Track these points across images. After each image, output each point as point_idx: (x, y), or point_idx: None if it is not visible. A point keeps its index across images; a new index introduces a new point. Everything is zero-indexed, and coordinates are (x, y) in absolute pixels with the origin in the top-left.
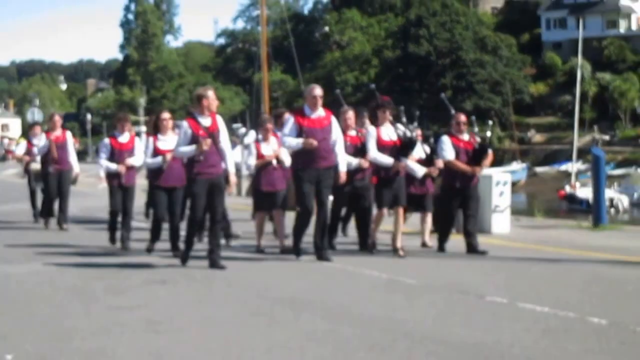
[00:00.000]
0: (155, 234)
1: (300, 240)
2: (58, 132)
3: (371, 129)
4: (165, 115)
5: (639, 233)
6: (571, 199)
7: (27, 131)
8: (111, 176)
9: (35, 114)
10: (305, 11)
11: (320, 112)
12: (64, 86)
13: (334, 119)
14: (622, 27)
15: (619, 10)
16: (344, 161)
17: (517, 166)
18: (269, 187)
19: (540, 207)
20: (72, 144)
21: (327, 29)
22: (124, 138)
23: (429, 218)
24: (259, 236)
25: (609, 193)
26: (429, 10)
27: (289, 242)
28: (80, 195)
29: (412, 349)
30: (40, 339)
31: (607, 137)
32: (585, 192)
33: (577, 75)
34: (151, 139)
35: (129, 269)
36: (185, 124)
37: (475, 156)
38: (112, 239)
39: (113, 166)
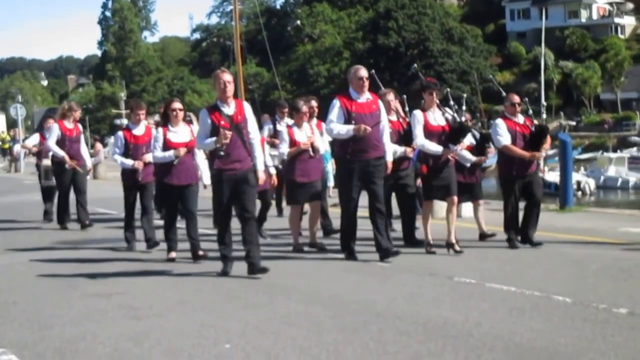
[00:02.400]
0: (171, 237)
1: (349, 240)
2: (71, 124)
3: (418, 113)
4: (176, 105)
5: (603, 214)
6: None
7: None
8: (126, 173)
9: (18, 109)
10: (278, 5)
11: (368, 95)
12: (45, 82)
13: (381, 103)
14: (584, 17)
15: (580, 0)
16: (391, 150)
17: None
18: (304, 178)
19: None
20: (83, 137)
21: (299, 22)
22: (139, 130)
23: (482, 207)
24: (296, 233)
25: (577, 177)
26: (397, 3)
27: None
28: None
29: (383, 329)
30: (21, 326)
31: (573, 123)
32: (553, 176)
33: (541, 63)
34: (160, 130)
35: (108, 260)
36: (203, 112)
37: (533, 140)
38: (128, 240)
39: (129, 162)
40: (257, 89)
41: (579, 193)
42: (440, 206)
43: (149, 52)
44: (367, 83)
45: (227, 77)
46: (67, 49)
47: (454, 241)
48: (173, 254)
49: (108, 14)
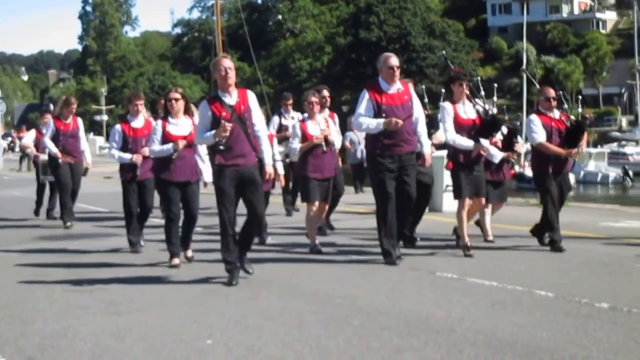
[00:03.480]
0: (172, 241)
1: (389, 241)
2: (69, 119)
3: (447, 105)
4: (176, 94)
5: (583, 209)
6: (520, 177)
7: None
8: (124, 169)
9: None
10: (259, 0)
11: (399, 85)
12: (25, 77)
13: (414, 93)
14: (565, 12)
15: None
16: (428, 143)
17: None
18: (317, 174)
19: None
20: (83, 132)
21: (280, 17)
22: (138, 123)
23: (501, 211)
24: (313, 233)
25: None
26: None
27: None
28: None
29: (365, 324)
30: (2, 321)
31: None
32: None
33: (522, 58)
34: (160, 122)
35: (90, 255)
36: (203, 103)
37: (569, 136)
38: (132, 243)
39: (127, 156)
40: (239, 83)
41: None
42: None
43: (130, 46)
44: (398, 72)
45: (227, 63)
46: (47, 43)
47: (490, 238)
48: (177, 260)
49: (89, 8)
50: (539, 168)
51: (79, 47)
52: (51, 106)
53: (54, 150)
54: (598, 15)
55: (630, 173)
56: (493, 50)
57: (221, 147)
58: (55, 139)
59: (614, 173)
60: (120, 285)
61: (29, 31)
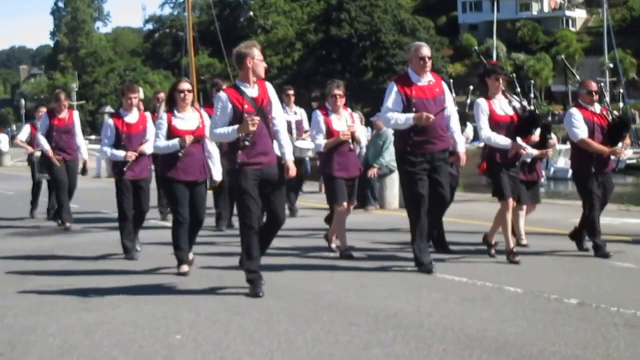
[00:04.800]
0: (180, 245)
1: (422, 249)
2: (64, 113)
3: (482, 102)
4: (185, 85)
5: (554, 205)
6: None
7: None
8: (118, 168)
9: None
10: None
11: (430, 77)
12: None
13: (445, 86)
14: (535, 9)
15: None
16: (462, 140)
17: None
18: (343, 173)
19: (461, 182)
20: (79, 127)
21: (251, 13)
22: (132, 117)
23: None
24: (343, 235)
25: None
26: None
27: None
28: (13, 178)
29: (334, 319)
30: None
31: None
32: None
33: (492, 55)
34: (165, 116)
35: (61, 251)
36: (223, 95)
37: (612, 133)
38: (127, 249)
39: (120, 154)
40: (209, 79)
41: None
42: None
43: (101, 42)
44: (429, 63)
45: (259, 53)
46: (19, 39)
47: (525, 241)
48: (185, 268)
49: (61, 4)
50: (580, 168)
51: (51, 43)
52: (22, 101)
53: (46, 147)
54: (568, 13)
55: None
56: (463, 47)
57: (246, 143)
58: (48, 134)
59: None
60: (90, 281)
61: (0, 27)
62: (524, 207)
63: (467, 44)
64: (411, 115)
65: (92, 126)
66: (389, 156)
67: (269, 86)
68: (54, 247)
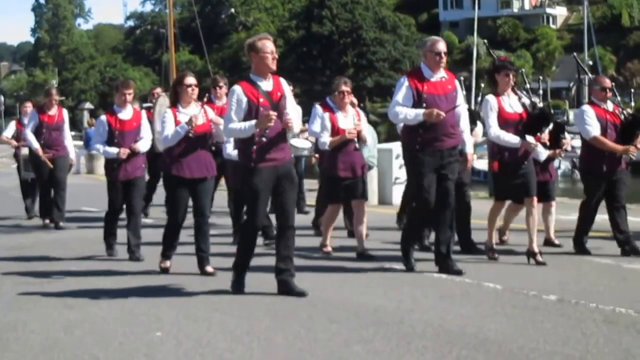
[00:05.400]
0: (169, 243)
1: (411, 246)
2: (53, 110)
3: (491, 98)
4: (190, 79)
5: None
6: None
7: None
8: (111, 166)
9: None
10: None
11: (443, 73)
12: None
13: (458, 84)
14: (516, 7)
15: None
16: (471, 139)
17: None
18: (348, 173)
19: None
20: (68, 124)
21: (233, 10)
22: (126, 114)
23: (554, 209)
24: (327, 235)
25: None
26: None
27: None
28: None
29: (313, 316)
30: None
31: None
32: (482, 164)
33: (473, 52)
34: (170, 111)
35: (41, 248)
36: (237, 88)
37: (625, 131)
38: (110, 247)
39: (113, 151)
40: None
41: None
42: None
43: (82, 39)
44: (445, 59)
45: (272, 45)
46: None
47: (536, 250)
48: (168, 263)
49: (42, 1)
50: (589, 166)
51: (32, 40)
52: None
53: (35, 145)
54: (548, 10)
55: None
56: None
57: (263, 139)
58: (37, 131)
59: (562, 166)
60: (71, 278)
61: None
62: (535, 204)
63: (447, 42)
64: (421, 111)
65: (71, 122)
66: (367, 152)
67: (284, 81)
68: (35, 244)
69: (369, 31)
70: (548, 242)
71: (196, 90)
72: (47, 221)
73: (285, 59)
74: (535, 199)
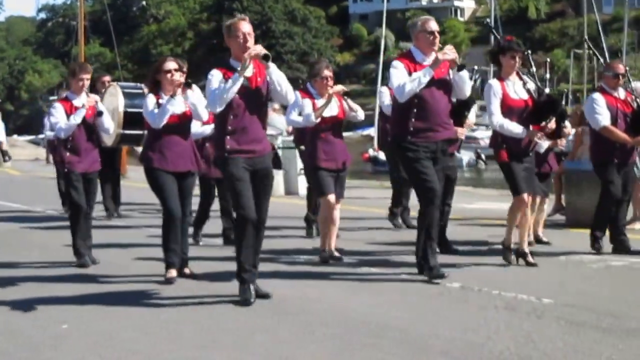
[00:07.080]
0: (170, 241)
1: (430, 246)
2: None
3: (494, 83)
4: (171, 64)
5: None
6: (375, 161)
7: None
8: (61, 153)
9: None
10: None
11: (434, 56)
12: None
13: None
14: (425, 0)
15: None
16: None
17: None
18: (329, 164)
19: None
20: None
21: (144, 3)
22: (81, 101)
23: (547, 206)
24: (326, 236)
25: None
26: None
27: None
28: None
29: (219, 307)
30: None
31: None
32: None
33: (380, 45)
34: (152, 96)
35: (12, 244)
36: (214, 71)
37: (636, 121)
38: (80, 254)
39: (78, 115)
40: (99, 68)
41: None
42: None
43: None
44: (438, 40)
45: (247, 27)
46: None
47: (526, 250)
48: (173, 272)
49: None
50: (601, 157)
51: None
52: None
53: None
54: (456, 3)
55: (483, 156)
56: (353, 36)
57: (244, 81)
58: None
59: (466, 157)
60: (48, 276)
61: None
62: (543, 200)
63: (357, 34)
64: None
65: None
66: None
67: (274, 68)
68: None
69: (278, 23)
70: (538, 240)
71: (178, 75)
72: None
73: (194, 51)
74: (531, 198)
